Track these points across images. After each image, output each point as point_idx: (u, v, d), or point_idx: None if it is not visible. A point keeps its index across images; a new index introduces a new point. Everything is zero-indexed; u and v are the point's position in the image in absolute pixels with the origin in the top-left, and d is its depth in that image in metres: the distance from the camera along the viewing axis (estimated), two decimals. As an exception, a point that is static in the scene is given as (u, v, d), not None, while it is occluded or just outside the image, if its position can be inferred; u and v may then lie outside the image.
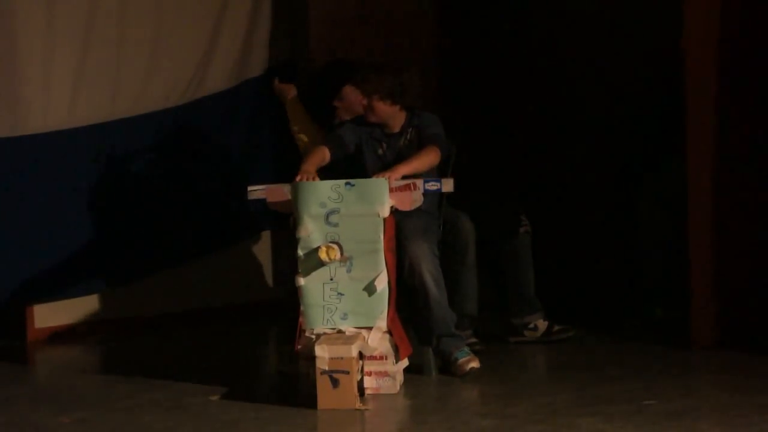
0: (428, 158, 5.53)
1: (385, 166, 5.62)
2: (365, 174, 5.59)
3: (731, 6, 5.71)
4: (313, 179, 5.34)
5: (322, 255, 5.16)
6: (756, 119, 5.76)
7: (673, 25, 5.86)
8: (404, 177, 5.36)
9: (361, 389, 5.10)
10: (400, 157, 5.65)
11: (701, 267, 5.77)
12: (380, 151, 5.72)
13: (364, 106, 5.69)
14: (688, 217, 5.81)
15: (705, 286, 5.76)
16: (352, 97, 6.12)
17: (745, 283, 5.77)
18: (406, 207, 5.32)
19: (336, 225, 5.19)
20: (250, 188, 5.41)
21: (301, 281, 5.21)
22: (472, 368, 5.47)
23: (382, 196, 5.21)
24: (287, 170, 5.71)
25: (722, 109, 5.73)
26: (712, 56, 5.70)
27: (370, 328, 5.20)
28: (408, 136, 5.72)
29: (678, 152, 5.91)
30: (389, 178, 5.28)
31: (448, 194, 5.54)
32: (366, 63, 6.06)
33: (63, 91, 6.57)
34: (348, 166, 5.66)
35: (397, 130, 5.73)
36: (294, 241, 5.24)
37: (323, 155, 5.58)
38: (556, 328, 6.18)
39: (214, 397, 5.28)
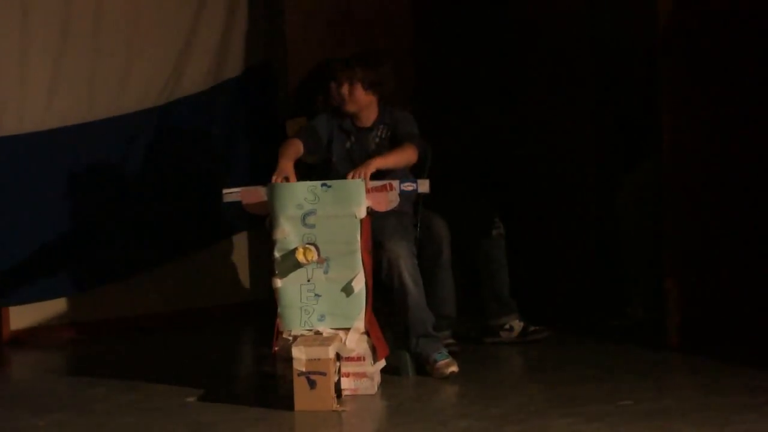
0: (406, 155, 5.54)
1: (352, 159, 5.63)
2: (332, 165, 5.60)
3: (704, 4, 5.74)
4: (288, 179, 5.34)
5: (299, 256, 5.16)
6: (732, 120, 5.78)
7: (647, 23, 5.88)
8: (380, 177, 5.37)
9: (338, 390, 5.11)
10: (368, 152, 5.66)
11: (676, 269, 5.80)
12: (348, 144, 5.73)
13: (344, 95, 5.68)
14: (662, 218, 5.85)
15: (680, 287, 5.78)
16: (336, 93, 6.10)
17: (720, 285, 5.80)
18: (382, 208, 5.32)
19: (313, 226, 5.19)
20: (225, 191, 5.40)
21: (278, 283, 5.21)
22: (452, 372, 5.48)
23: (359, 197, 5.21)
24: (264, 172, 5.71)
25: (697, 109, 5.76)
26: (685, 55, 5.73)
27: (347, 329, 5.20)
28: (379, 133, 5.72)
29: (655, 152, 5.93)
30: (364, 173, 5.29)
31: (424, 195, 5.54)
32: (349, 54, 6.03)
33: (39, 92, 6.56)
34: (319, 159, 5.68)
35: (368, 124, 5.74)
36: (270, 243, 5.25)
37: (297, 148, 5.58)
38: (532, 328, 6.20)
39: (191, 399, 5.27)
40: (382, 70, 5.72)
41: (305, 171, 5.53)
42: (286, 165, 5.43)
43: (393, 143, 5.67)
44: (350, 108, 5.69)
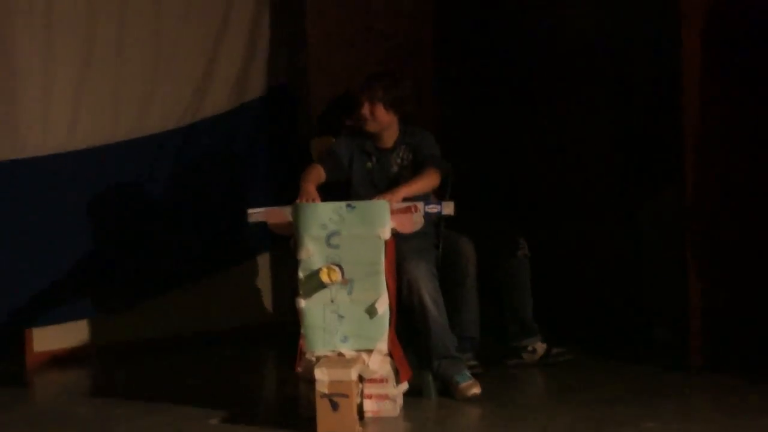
0: (429, 180, 5.54)
1: (373, 181, 5.63)
2: (351, 186, 5.61)
3: (729, 27, 5.73)
4: (314, 200, 5.35)
5: (324, 277, 5.15)
6: (756, 142, 5.77)
7: (673, 45, 5.86)
8: (404, 199, 5.37)
9: (360, 412, 5.10)
10: (389, 173, 5.66)
11: (699, 290, 5.78)
12: (369, 165, 5.73)
13: (365, 114, 5.68)
14: (685, 239, 5.83)
15: (704, 308, 5.77)
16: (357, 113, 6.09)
17: (744, 306, 5.78)
18: (407, 229, 5.32)
19: (337, 247, 5.19)
20: (249, 211, 5.40)
21: (302, 303, 5.21)
22: (474, 394, 5.46)
23: (384, 218, 5.20)
24: (286, 192, 5.71)
25: (720, 131, 5.75)
26: (709, 78, 5.72)
27: (370, 351, 5.19)
28: (401, 154, 5.72)
29: (678, 174, 5.92)
30: (390, 200, 5.29)
31: (447, 216, 5.53)
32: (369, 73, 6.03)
33: (62, 114, 6.58)
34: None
35: (389, 145, 5.74)
36: (295, 263, 5.25)
37: (319, 174, 5.59)
38: (555, 350, 6.18)
39: (214, 421, 5.27)
40: (402, 88, 5.73)
41: (325, 193, 5.52)
42: (310, 187, 5.43)
43: (415, 165, 5.67)
44: (371, 128, 5.69)
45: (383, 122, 5.68)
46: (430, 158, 5.64)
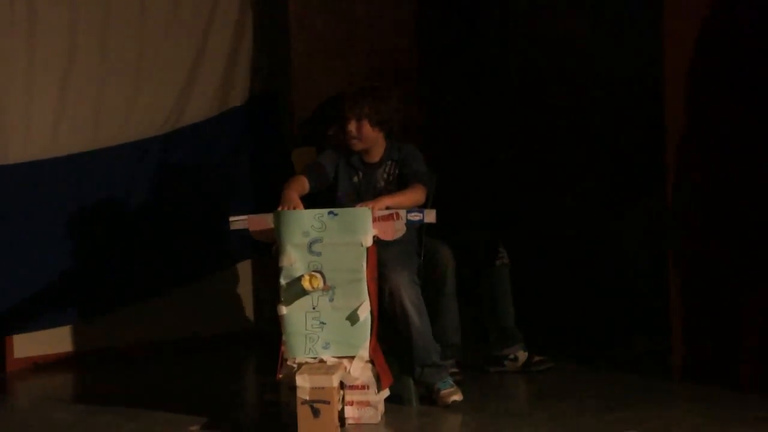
0: (414, 196, 5.52)
1: (359, 194, 5.63)
2: (336, 199, 5.61)
3: (713, 37, 5.75)
4: (296, 207, 5.34)
5: (305, 284, 5.15)
6: (737, 150, 5.79)
7: (655, 55, 5.89)
8: (386, 208, 5.37)
9: (342, 419, 5.10)
10: (375, 188, 5.66)
11: (681, 298, 5.79)
12: (355, 179, 5.73)
13: (351, 131, 5.67)
14: (667, 247, 5.84)
15: (685, 317, 5.78)
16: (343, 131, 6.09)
17: (726, 314, 5.79)
18: (388, 237, 5.32)
19: (319, 254, 5.19)
20: (231, 218, 5.40)
21: (284, 310, 5.20)
22: (455, 401, 5.47)
23: (366, 225, 5.21)
24: (268, 200, 5.70)
25: (701, 139, 5.76)
26: (693, 85, 5.75)
27: (352, 358, 5.19)
28: (387, 169, 5.72)
29: (661, 182, 5.94)
30: (373, 208, 5.29)
31: (427, 224, 5.53)
32: (354, 87, 6.02)
33: (44, 120, 6.57)
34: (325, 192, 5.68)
35: (375, 159, 5.75)
36: (276, 270, 5.24)
37: (302, 184, 5.58)
38: (537, 358, 6.19)
39: (194, 428, 5.26)
40: (388, 104, 5.72)
41: (309, 202, 5.52)
42: (293, 195, 5.42)
43: (401, 181, 5.67)
44: (358, 146, 5.68)
45: (369, 139, 5.68)
46: (416, 175, 5.64)
